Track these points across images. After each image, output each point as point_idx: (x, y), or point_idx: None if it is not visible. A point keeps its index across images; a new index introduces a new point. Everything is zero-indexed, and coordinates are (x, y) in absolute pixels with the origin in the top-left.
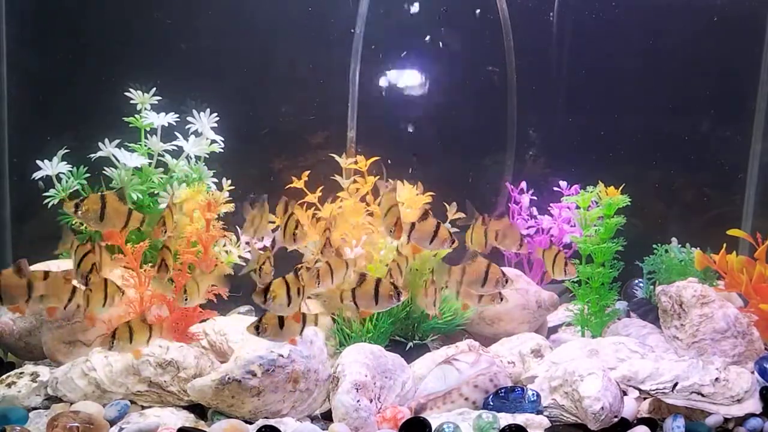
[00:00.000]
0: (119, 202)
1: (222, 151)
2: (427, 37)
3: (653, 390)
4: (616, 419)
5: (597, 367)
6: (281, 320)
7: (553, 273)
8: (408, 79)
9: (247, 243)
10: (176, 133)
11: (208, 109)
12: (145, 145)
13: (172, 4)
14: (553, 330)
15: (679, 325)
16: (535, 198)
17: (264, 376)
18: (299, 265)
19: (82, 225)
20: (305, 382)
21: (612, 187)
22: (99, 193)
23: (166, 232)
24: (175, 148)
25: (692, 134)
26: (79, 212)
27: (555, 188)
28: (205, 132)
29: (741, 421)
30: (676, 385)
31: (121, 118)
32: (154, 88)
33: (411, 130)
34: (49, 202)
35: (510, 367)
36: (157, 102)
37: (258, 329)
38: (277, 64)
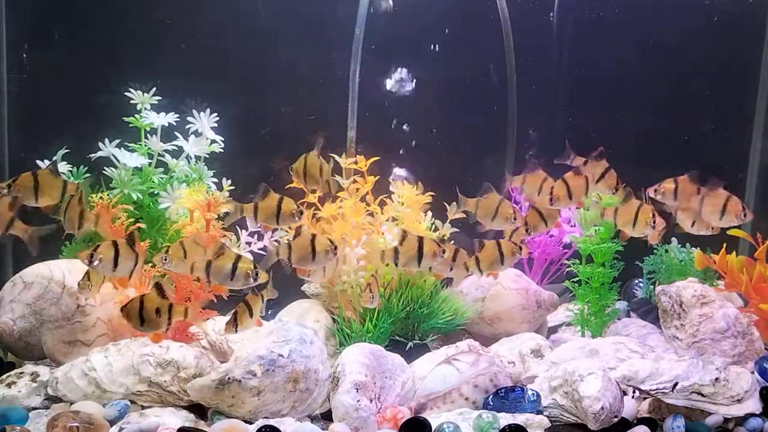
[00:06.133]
0: (52, 176)
1: (222, 150)
2: (435, 47)
3: (653, 390)
4: (616, 419)
5: (597, 367)
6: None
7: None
8: (408, 78)
9: (248, 243)
10: (176, 133)
11: (208, 109)
12: (145, 145)
13: (172, 4)
14: (553, 330)
15: (679, 325)
16: None
17: (264, 376)
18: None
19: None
20: (305, 382)
21: None
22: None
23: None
24: (175, 148)
25: (692, 134)
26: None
27: None
28: (205, 132)
29: (741, 421)
30: (676, 385)
31: (121, 118)
32: (154, 88)
33: (408, 130)
34: None
35: (510, 367)
36: (157, 102)
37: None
38: (277, 64)
